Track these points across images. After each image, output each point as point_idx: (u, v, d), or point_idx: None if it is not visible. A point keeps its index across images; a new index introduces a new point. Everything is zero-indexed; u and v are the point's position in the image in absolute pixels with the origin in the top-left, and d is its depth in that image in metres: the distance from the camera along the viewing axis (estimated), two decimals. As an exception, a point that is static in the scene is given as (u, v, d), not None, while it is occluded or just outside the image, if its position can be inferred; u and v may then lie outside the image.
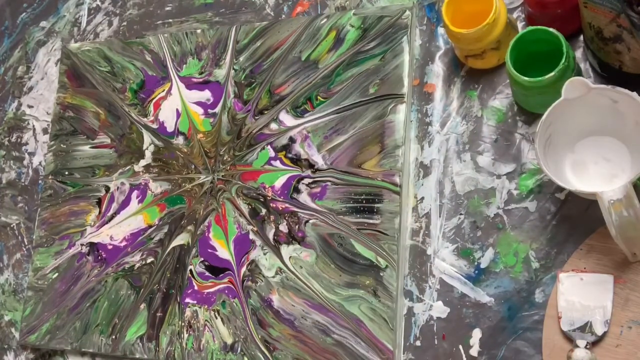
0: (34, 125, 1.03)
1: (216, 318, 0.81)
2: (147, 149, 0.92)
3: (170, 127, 0.91)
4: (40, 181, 1.00)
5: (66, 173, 0.97)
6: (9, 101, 1.07)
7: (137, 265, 0.87)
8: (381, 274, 0.74)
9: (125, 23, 1.01)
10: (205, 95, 0.90)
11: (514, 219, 0.71)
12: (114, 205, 0.91)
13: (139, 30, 1.00)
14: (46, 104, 1.03)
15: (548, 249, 0.69)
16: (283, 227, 0.80)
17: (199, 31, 0.93)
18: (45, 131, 1.02)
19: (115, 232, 0.90)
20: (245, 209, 0.83)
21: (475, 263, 0.71)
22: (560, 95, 0.61)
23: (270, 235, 0.80)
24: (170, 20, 0.98)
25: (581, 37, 0.71)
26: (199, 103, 0.90)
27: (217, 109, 0.88)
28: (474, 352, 0.69)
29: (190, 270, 0.84)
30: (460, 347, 0.70)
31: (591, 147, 0.67)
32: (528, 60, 0.68)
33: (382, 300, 0.73)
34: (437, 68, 0.79)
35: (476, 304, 0.70)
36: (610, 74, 0.68)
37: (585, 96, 0.60)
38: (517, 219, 0.70)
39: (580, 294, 0.65)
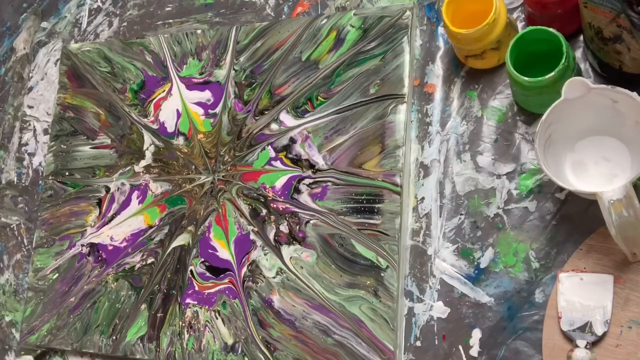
0: (34, 126, 1.04)
1: (217, 318, 0.81)
2: (147, 149, 0.92)
3: (170, 128, 0.91)
4: (40, 182, 1.00)
5: (66, 173, 0.97)
6: (9, 101, 1.07)
7: (138, 265, 0.87)
8: (382, 274, 0.74)
9: (125, 23, 1.01)
10: (206, 95, 0.90)
11: (514, 218, 0.71)
12: (115, 206, 0.92)
13: (139, 31, 1.00)
14: (46, 105, 1.04)
15: (548, 249, 0.69)
16: (284, 228, 0.80)
17: (199, 31, 0.93)
18: (45, 132, 1.02)
19: (115, 233, 0.90)
20: (245, 209, 0.83)
21: (475, 263, 0.71)
22: (560, 95, 0.61)
23: (271, 235, 0.80)
24: (171, 20, 0.98)
25: (581, 37, 0.71)
26: (199, 103, 0.90)
27: (218, 110, 0.88)
28: (474, 352, 0.69)
29: (191, 271, 0.84)
30: (460, 347, 0.70)
31: (591, 147, 0.67)
32: (528, 60, 0.68)
33: (382, 301, 0.73)
34: (437, 68, 0.79)
35: (476, 304, 0.70)
36: (610, 74, 0.68)
37: (585, 96, 0.60)
38: (517, 219, 0.70)
39: (580, 294, 0.65)
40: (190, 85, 0.91)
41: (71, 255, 0.92)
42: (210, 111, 0.89)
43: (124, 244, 0.89)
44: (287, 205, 0.81)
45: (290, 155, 0.82)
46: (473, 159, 0.74)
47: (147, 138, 0.92)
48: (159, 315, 0.84)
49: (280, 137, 0.83)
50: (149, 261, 0.87)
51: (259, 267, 0.80)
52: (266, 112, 0.85)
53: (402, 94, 0.78)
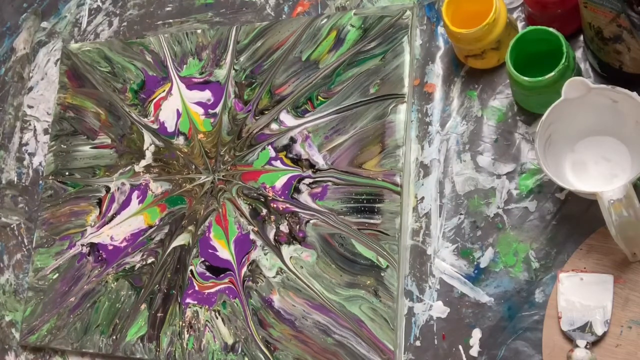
0: (34, 126, 1.04)
1: (217, 318, 0.81)
2: (147, 149, 0.92)
3: (170, 127, 0.91)
4: (40, 181, 1.00)
5: (66, 173, 0.97)
6: (9, 101, 1.07)
7: (138, 265, 0.87)
8: (382, 274, 0.74)
9: (125, 23, 1.01)
10: (206, 95, 0.90)
11: (514, 218, 0.71)
12: (115, 206, 0.92)
13: (139, 31, 1.00)
14: (46, 104, 1.04)
15: (548, 249, 0.69)
16: (284, 227, 0.80)
17: (199, 31, 0.93)
18: (45, 132, 1.02)
19: (115, 233, 0.90)
20: (245, 209, 0.83)
21: (475, 263, 0.71)
22: (560, 95, 0.61)
23: (271, 235, 0.81)
24: (171, 20, 0.98)
25: (581, 37, 0.71)
26: (199, 103, 0.90)
27: (218, 109, 0.88)
28: (473, 352, 0.69)
29: (191, 271, 0.84)
30: (460, 347, 0.70)
31: (591, 147, 0.67)
32: (528, 60, 0.68)
33: (382, 300, 0.73)
34: (437, 68, 0.79)
35: (476, 303, 0.70)
36: (610, 74, 0.68)
37: (585, 96, 0.60)
38: (517, 219, 0.70)
39: (580, 294, 0.65)
40: (191, 85, 0.91)
41: (71, 255, 0.92)
42: (211, 111, 0.89)
43: (124, 243, 0.89)
44: (287, 205, 0.81)
45: (290, 155, 0.82)
46: (473, 158, 0.74)
47: (147, 138, 0.92)
48: (159, 315, 0.84)
49: (281, 137, 0.83)
50: (149, 261, 0.87)
51: (259, 266, 0.80)
52: (266, 112, 0.85)
53: (402, 94, 0.78)
